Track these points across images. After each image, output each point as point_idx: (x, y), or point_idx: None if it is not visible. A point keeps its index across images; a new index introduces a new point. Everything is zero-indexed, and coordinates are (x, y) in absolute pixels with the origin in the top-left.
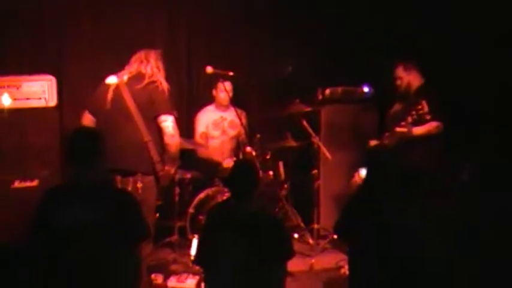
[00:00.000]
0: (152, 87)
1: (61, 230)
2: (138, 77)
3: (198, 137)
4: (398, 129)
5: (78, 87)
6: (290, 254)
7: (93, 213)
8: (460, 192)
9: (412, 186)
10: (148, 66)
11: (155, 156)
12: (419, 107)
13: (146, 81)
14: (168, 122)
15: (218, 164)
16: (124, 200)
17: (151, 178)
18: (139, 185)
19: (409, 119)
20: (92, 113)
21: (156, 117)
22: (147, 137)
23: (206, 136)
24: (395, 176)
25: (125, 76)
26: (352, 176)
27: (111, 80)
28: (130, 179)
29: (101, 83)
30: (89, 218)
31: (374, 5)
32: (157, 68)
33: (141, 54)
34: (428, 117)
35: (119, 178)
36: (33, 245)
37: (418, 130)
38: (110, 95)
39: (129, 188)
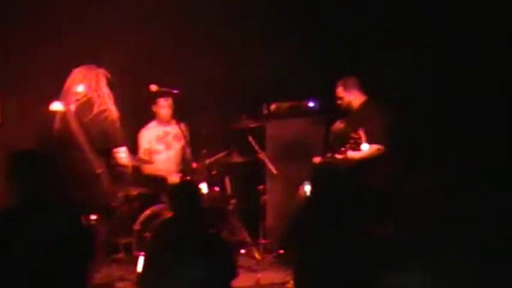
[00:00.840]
0: (102, 118)
1: (16, 248)
2: (86, 105)
3: (141, 153)
4: (339, 155)
5: (22, 105)
6: (235, 274)
7: (44, 232)
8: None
9: (360, 202)
10: (96, 93)
11: (108, 189)
12: (356, 136)
13: (95, 110)
14: (121, 154)
15: (163, 180)
16: (73, 220)
17: (103, 208)
18: (93, 217)
19: (347, 146)
20: (39, 143)
21: (109, 149)
22: (99, 168)
23: (150, 152)
24: (342, 192)
25: (72, 105)
26: (298, 190)
27: (57, 106)
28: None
29: (44, 109)
30: (40, 238)
31: (321, 20)
32: (106, 92)
33: (86, 74)
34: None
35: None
36: None
37: (355, 155)
38: (56, 125)
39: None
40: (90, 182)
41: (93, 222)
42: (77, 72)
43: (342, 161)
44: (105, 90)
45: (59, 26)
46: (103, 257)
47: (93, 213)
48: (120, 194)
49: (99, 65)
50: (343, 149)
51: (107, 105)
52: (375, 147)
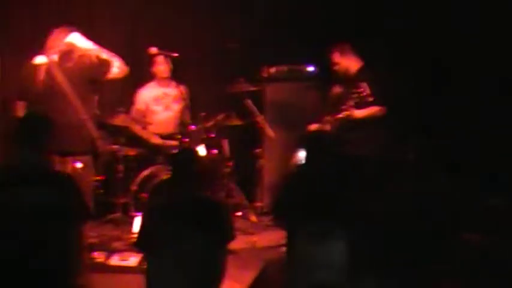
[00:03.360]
0: (83, 60)
1: (4, 212)
2: (67, 53)
3: (133, 113)
4: (341, 114)
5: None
6: (232, 237)
7: (37, 195)
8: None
9: (353, 170)
10: (76, 43)
11: (95, 133)
12: (361, 89)
13: (76, 55)
14: (115, 69)
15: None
16: (65, 183)
17: (89, 157)
18: (78, 165)
19: (351, 102)
20: (22, 97)
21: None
22: (83, 115)
23: (142, 113)
24: (335, 161)
25: (55, 56)
26: (292, 157)
27: (40, 60)
28: (69, 159)
29: (27, 64)
30: (32, 200)
31: None
32: (84, 46)
33: (64, 31)
34: (370, 99)
35: (57, 158)
36: None
37: (360, 113)
38: (40, 76)
39: (68, 168)
40: (76, 128)
41: (79, 170)
42: (61, 31)
43: (340, 123)
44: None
45: None
46: (91, 201)
47: (78, 160)
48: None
49: (93, 27)
50: (344, 106)
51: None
52: (377, 107)
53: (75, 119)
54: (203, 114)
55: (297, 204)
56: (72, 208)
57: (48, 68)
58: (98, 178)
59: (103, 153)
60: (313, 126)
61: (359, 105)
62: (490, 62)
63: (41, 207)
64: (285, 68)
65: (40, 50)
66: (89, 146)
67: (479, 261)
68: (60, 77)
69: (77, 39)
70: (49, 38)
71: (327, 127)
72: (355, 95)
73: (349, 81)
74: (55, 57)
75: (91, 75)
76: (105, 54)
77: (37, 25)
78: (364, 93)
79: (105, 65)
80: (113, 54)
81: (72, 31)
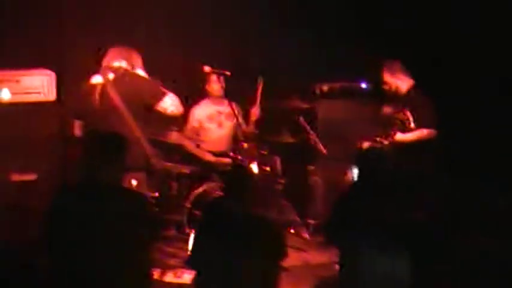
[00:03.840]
0: (137, 80)
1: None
2: (123, 76)
3: (187, 131)
4: (386, 141)
5: (78, 81)
6: (284, 255)
7: (114, 211)
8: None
9: (401, 190)
10: (133, 63)
11: (149, 151)
12: (404, 117)
13: (130, 75)
14: (165, 103)
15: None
16: (140, 201)
17: (143, 174)
18: (133, 182)
19: (395, 129)
20: (79, 116)
21: (152, 108)
22: (138, 132)
23: (196, 131)
24: (386, 180)
25: (110, 74)
26: (345, 174)
27: (97, 79)
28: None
29: (83, 84)
30: (108, 216)
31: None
32: (140, 66)
33: (121, 51)
34: (411, 125)
35: None
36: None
37: (405, 137)
38: (96, 95)
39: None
40: (131, 145)
41: (134, 186)
42: (115, 50)
43: (390, 146)
44: (141, 66)
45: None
46: None
47: (133, 177)
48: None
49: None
50: (391, 132)
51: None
52: (425, 131)
53: (130, 136)
54: (256, 131)
55: (351, 221)
56: (145, 226)
57: (104, 87)
58: (152, 195)
59: (157, 171)
60: (366, 144)
61: (402, 131)
62: (490, 62)
63: (112, 223)
64: (337, 85)
65: (97, 69)
66: (144, 164)
67: (480, 262)
68: (115, 96)
69: (133, 63)
70: (105, 56)
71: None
72: (398, 121)
73: (399, 101)
74: (111, 76)
75: (143, 99)
76: (159, 87)
77: (94, 44)
78: (406, 119)
79: (157, 93)
80: (170, 91)
81: (128, 50)
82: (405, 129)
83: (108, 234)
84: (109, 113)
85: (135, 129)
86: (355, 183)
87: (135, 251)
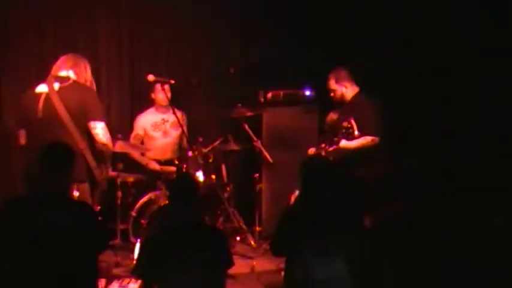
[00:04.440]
0: (82, 92)
1: (26, 238)
2: (70, 86)
3: (132, 138)
4: (330, 148)
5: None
6: (231, 263)
7: (58, 221)
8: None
9: (351, 195)
10: (80, 73)
11: (92, 163)
12: (348, 125)
13: (76, 86)
14: (98, 129)
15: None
16: (86, 211)
17: (86, 185)
18: (75, 193)
19: (339, 136)
20: (23, 124)
21: (86, 122)
22: (81, 144)
23: (139, 138)
24: (332, 188)
25: (56, 84)
26: (289, 199)
27: (42, 88)
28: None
29: (28, 92)
30: (53, 226)
31: (312, 9)
32: (88, 77)
33: (69, 60)
34: (356, 133)
35: None
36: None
37: (349, 145)
38: (40, 104)
39: None
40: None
41: (76, 198)
42: (66, 59)
43: (334, 153)
44: (91, 78)
45: (51, 13)
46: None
47: (75, 189)
48: (118, 179)
49: (94, 54)
50: (335, 138)
51: (88, 84)
52: (369, 138)
53: (73, 148)
54: (201, 139)
55: (298, 233)
56: (92, 236)
57: (48, 96)
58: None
59: (100, 182)
60: (311, 150)
61: (347, 138)
62: (490, 62)
63: (61, 233)
64: (280, 92)
65: (43, 78)
66: (86, 175)
67: None
68: (59, 106)
69: (81, 72)
70: (54, 65)
71: (322, 154)
72: (344, 130)
73: (345, 107)
74: (56, 86)
75: (84, 112)
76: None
77: (37, 52)
78: (351, 128)
79: (95, 115)
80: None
81: (77, 59)
82: (350, 137)
83: (54, 244)
84: (52, 123)
85: (78, 140)
86: (300, 193)
87: (81, 261)
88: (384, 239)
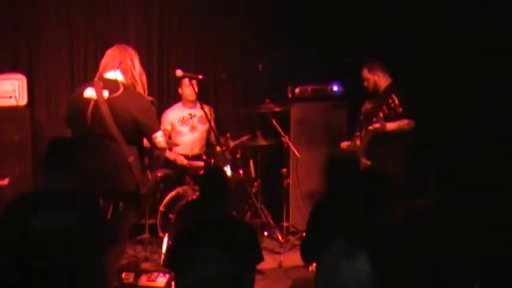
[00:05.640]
0: (133, 104)
1: (31, 235)
2: (118, 93)
3: None
4: (371, 126)
5: (50, 86)
6: (260, 259)
7: (63, 219)
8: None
9: (378, 191)
10: (126, 71)
11: (138, 177)
12: (390, 100)
13: (126, 98)
14: (159, 138)
15: (174, 163)
16: (91, 206)
17: (132, 196)
18: (120, 203)
19: (381, 114)
20: (70, 126)
21: (146, 136)
22: (130, 157)
23: (168, 133)
24: (358, 184)
25: (105, 92)
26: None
27: (90, 93)
28: (112, 200)
29: (76, 95)
30: (59, 224)
31: (344, 5)
32: (136, 72)
33: (115, 56)
34: (399, 109)
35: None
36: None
37: (390, 126)
38: (89, 112)
39: (111, 208)
40: (122, 171)
41: (121, 209)
42: (112, 56)
43: (373, 134)
44: (140, 70)
45: (84, 7)
46: (128, 240)
47: (121, 200)
48: (150, 181)
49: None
50: (375, 119)
51: (139, 87)
52: (406, 121)
53: (121, 160)
54: (229, 134)
55: (324, 233)
56: (97, 232)
57: (96, 104)
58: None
59: (145, 196)
60: (344, 144)
61: (389, 118)
62: (490, 62)
63: (64, 232)
64: (308, 88)
65: (90, 81)
66: (133, 187)
67: None
68: (108, 117)
69: (125, 71)
70: (102, 62)
71: (357, 142)
72: (385, 107)
73: (379, 96)
74: (106, 94)
75: (140, 123)
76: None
77: (67, 48)
78: (394, 104)
79: (153, 128)
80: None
81: (123, 52)
82: (392, 113)
83: (61, 242)
84: (101, 134)
85: (127, 154)
86: (324, 192)
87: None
88: (410, 237)
